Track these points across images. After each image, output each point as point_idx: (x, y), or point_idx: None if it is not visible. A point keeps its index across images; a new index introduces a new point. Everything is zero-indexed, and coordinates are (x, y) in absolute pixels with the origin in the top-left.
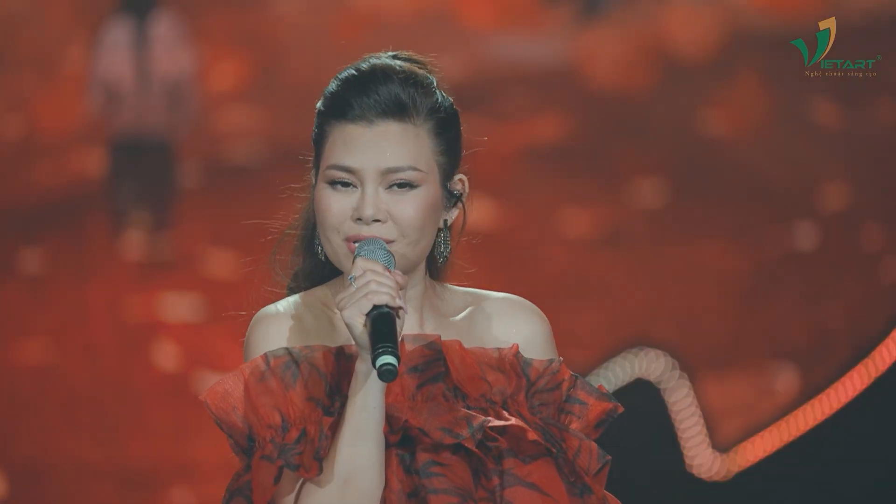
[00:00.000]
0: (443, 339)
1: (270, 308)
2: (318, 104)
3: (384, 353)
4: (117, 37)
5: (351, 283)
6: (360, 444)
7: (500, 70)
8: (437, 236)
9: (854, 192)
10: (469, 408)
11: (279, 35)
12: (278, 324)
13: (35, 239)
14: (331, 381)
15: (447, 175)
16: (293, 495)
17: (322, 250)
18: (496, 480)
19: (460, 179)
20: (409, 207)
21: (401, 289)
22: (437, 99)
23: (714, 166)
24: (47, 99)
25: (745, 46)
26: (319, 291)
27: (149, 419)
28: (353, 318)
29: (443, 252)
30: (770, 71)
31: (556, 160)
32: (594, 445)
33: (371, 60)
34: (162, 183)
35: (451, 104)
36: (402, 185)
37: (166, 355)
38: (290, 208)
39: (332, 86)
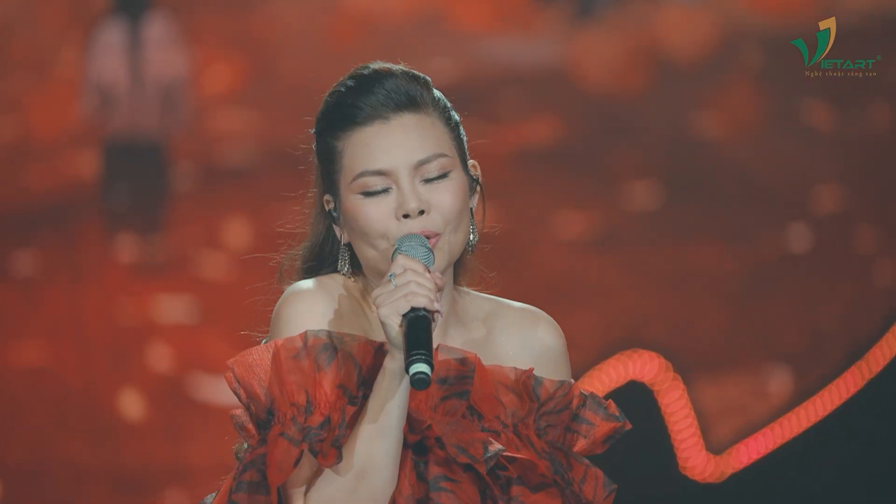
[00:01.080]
0: (461, 348)
1: (305, 284)
2: (315, 128)
3: (418, 360)
4: (111, 39)
5: (390, 281)
6: (378, 441)
7: (493, 72)
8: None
9: (847, 194)
10: (483, 429)
11: (272, 37)
12: (314, 301)
13: (28, 241)
14: (364, 374)
15: (464, 161)
16: (306, 484)
17: (349, 269)
18: None
19: (473, 165)
20: (447, 195)
21: (438, 290)
22: (436, 93)
23: (708, 168)
24: (41, 101)
25: (738, 48)
26: (350, 281)
27: (142, 421)
28: (390, 318)
29: (471, 241)
30: (764, 73)
31: (549, 162)
32: (600, 473)
33: (368, 66)
34: (155, 185)
35: (447, 102)
36: (437, 178)
37: (160, 357)
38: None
39: (331, 100)
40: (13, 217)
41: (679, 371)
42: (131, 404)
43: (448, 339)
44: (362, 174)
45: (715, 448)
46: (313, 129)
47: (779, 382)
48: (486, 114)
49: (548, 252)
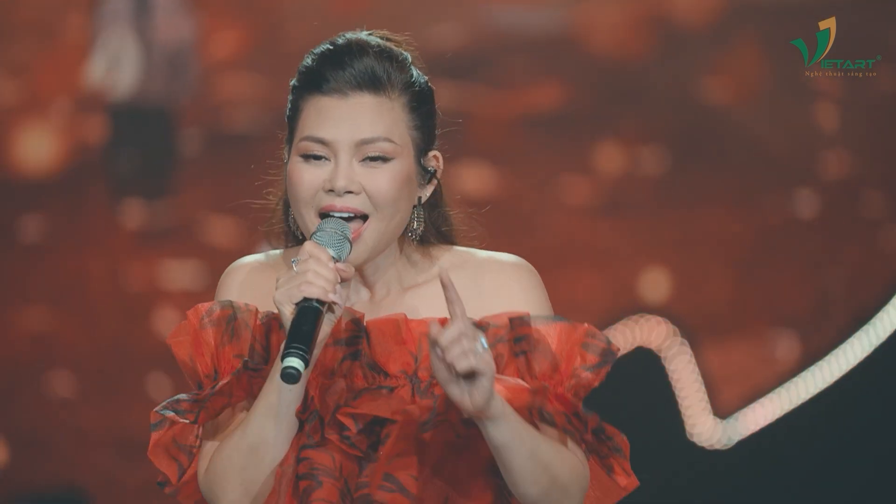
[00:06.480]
0: (398, 309)
1: (243, 259)
2: (293, 80)
3: (292, 354)
4: (118, 4)
5: (293, 266)
6: (269, 420)
7: (499, 37)
8: (411, 212)
9: (854, 159)
10: (381, 387)
11: (279, 2)
12: (243, 276)
13: (35, 207)
14: (256, 344)
15: (421, 151)
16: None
17: (295, 225)
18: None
19: (434, 156)
20: (382, 181)
21: (342, 281)
22: (412, 75)
23: (714, 133)
24: (48, 66)
25: (745, 13)
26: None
27: (149, 387)
28: (283, 305)
29: (415, 230)
30: (770, 37)
31: (555, 127)
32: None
33: (346, 35)
34: (162, 150)
35: (426, 81)
36: (375, 159)
37: (166, 323)
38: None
39: (307, 61)
40: (19, 181)
41: (686, 336)
42: (137, 369)
43: (385, 304)
44: (307, 137)
45: (722, 414)
46: (292, 81)
47: (785, 347)
48: (491, 79)
49: (553, 217)
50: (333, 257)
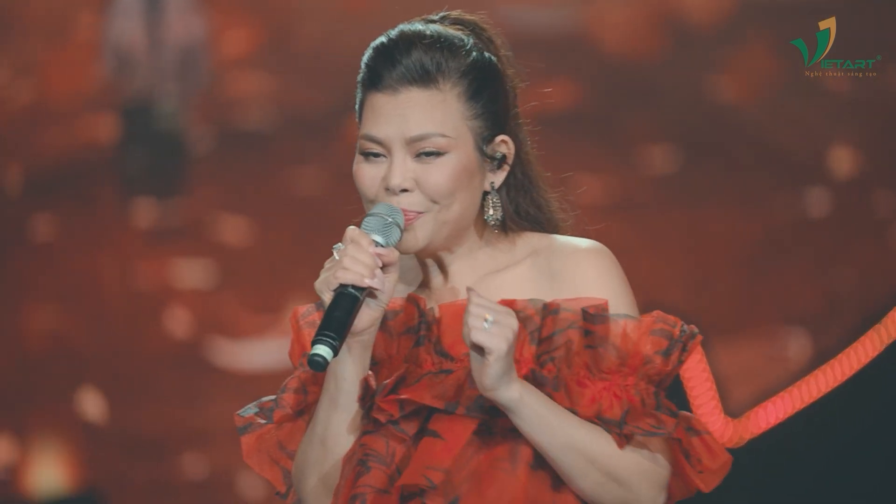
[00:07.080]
0: (469, 292)
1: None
2: (359, 75)
3: (320, 342)
4: (129, 2)
5: (333, 252)
6: (332, 412)
7: (509, 36)
8: (483, 200)
9: (865, 158)
10: (441, 371)
11: (290, 0)
12: None
13: (46, 205)
14: None
15: (484, 139)
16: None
17: None
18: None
19: (503, 140)
20: (436, 175)
21: (385, 266)
22: (472, 60)
23: (724, 132)
24: (59, 64)
25: (755, 12)
26: None
27: (160, 386)
28: (322, 292)
29: (493, 216)
30: (780, 36)
31: (565, 126)
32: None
33: (400, 27)
34: (173, 149)
35: (493, 64)
36: (429, 154)
37: (177, 322)
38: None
39: (366, 55)
40: (30, 181)
41: None
42: (148, 368)
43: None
44: (363, 136)
45: (733, 412)
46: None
47: (796, 346)
48: None
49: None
50: (379, 242)
